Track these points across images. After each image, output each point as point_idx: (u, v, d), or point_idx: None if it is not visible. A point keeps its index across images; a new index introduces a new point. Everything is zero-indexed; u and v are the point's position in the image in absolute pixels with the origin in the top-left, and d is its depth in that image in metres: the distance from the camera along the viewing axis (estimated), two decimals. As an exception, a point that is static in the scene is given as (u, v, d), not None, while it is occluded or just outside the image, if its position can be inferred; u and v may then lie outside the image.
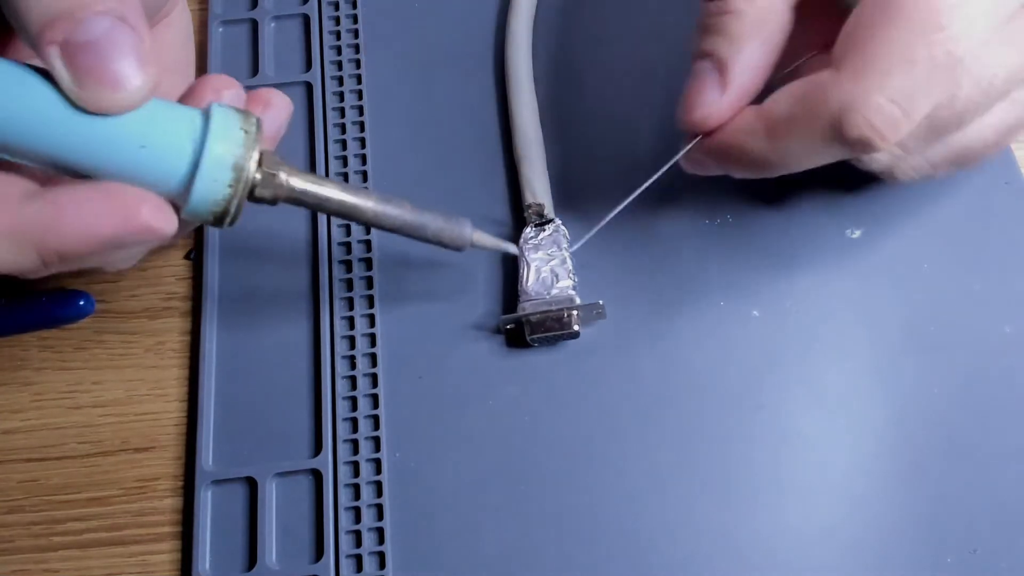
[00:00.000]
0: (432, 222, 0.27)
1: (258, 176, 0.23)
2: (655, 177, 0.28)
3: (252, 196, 0.23)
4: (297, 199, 0.24)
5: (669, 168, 0.28)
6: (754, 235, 0.33)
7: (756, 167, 0.25)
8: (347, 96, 0.35)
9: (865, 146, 0.22)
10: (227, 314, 0.32)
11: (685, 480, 0.29)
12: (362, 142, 0.35)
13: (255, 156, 0.22)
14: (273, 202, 0.24)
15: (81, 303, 0.32)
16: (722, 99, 0.25)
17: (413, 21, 0.37)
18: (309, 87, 0.36)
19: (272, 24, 0.37)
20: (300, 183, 0.24)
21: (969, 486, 0.29)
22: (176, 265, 0.33)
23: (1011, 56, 0.22)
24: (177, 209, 0.22)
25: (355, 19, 0.37)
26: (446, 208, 0.27)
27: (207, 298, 0.32)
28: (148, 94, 0.21)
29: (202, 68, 0.36)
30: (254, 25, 0.37)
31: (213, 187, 0.22)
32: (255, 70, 0.36)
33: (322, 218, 0.33)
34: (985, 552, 0.28)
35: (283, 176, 0.24)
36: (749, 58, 0.25)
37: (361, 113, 0.35)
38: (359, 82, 0.36)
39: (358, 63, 0.36)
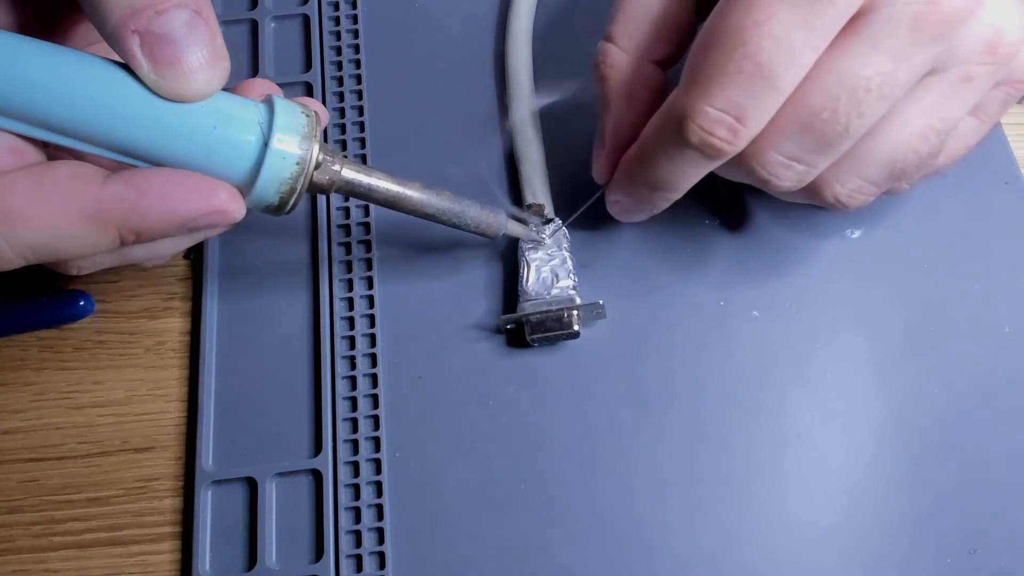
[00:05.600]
0: (470, 210, 0.28)
1: (320, 158, 0.24)
2: (580, 210, 0.31)
3: (311, 183, 0.24)
4: (349, 187, 0.26)
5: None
6: (754, 235, 0.33)
7: (648, 189, 0.27)
8: (347, 96, 0.35)
9: (711, 149, 0.24)
10: (227, 314, 0.32)
11: (685, 479, 0.29)
12: (362, 142, 0.35)
13: (318, 139, 0.24)
14: (327, 190, 0.25)
15: (81, 303, 0.32)
16: (602, 155, 0.29)
17: (413, 21, 0.37)
18: (309, 87, 0.36)
19: (272, 24, 0.37)
20: (352, 172, 0.25)
21: (969, 486, 0.29)
22: (176, 265, 0.33)
23: (879, 62, 0.23)
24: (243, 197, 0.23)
25: (355, 19, 0.37)
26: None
27: (207, 298, 0.32)
28: (220, 83, 0.22)
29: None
30: (254, 25, 0.37)
31: (283, 166, 0.23)
32: (255, 70, 0.36)
33: (322, 218, 0.33)
34: (985, 552, 0.28)
35: (339, 163, 0.25)
36: (618, 116, 0.28)
37: (361, 113, 0.35)
38: (359, 82, 0.36)
39: (358, 63, 0.36)
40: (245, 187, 0.23)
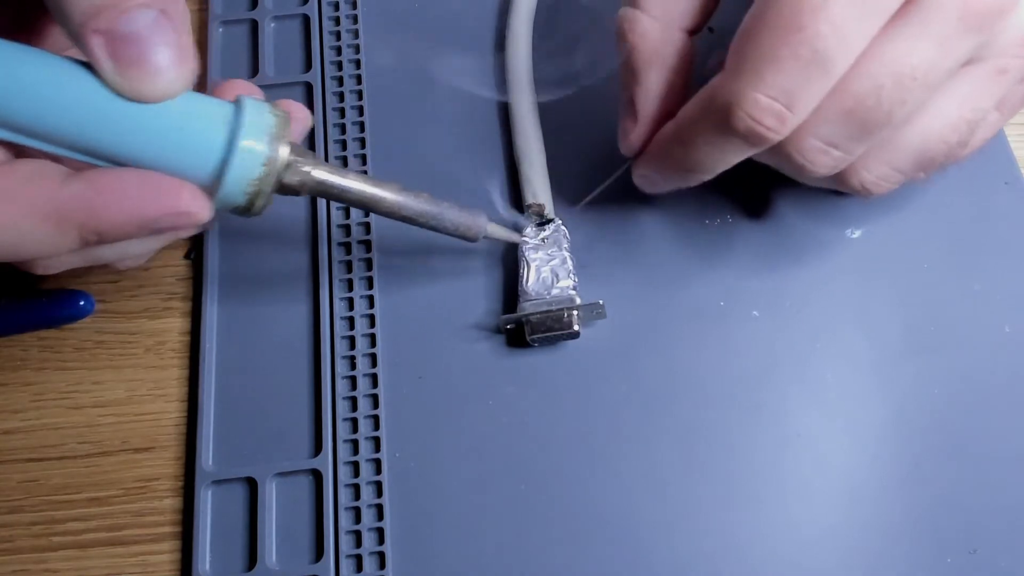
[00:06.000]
0: (449, 212, 0.28)
1: (289, 160, 0.24)
2: (602, 187, 0.31)
3: (281, 184, 0.24)
4: (322, 189, 0.25)
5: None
6: (754, 235, 0.33)
7: (683, 170, 0.27)
8: (347, 96, 0.35)
9: (757, 137, 0.24)
10: (227, 314, 0.32)
11: (685, 479, 0.29)
12: (362, 142, 0.35)
13: (287, 140, 0.23)
14: (298, 192, 0.25)
15: (81, 303, 0.32)
16: (635, 127, 0.28)
17: (413, 21, 0.37)
18: (309, 87, 0.36)
19: (272, 24, 0.37)
20: (324, 173, 0.25)
21: (969, 486, 0.29)
22: (176, 265, 0.33)
23: (926, 50, 0.23)
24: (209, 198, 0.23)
25: (355, 19, 0.37)
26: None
27: (207, 298, 0.32)
28: (186, 84, 0.22)
29: (202, 68, 0.36)
30: (254, 25, 0.37)
31: (249, 165, 0.23)
32: (255, 70, 0.36)
33: (322, 219, 0.33)
34: (985, 552, 0.28)
35: (310, 165, 0.24)
36: (649, 87, 0.27)
37: (361, 113, 0.35)
38: (359, 82, 0.36)
39: (358, 63, 0.36)
40: (211, 187, 0.23)
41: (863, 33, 0.23)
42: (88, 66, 0.21)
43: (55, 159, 0.22)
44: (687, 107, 0.26)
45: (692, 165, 0.27)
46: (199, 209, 0.22)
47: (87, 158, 0.22)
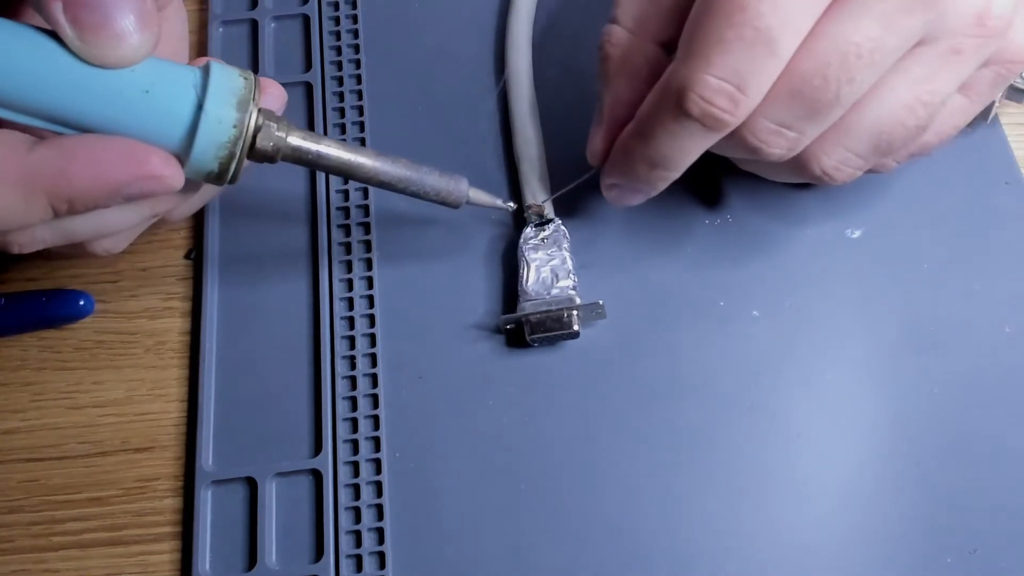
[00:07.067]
0: (429, 177, 0.27)
1: (260, 122, 0.23)
2: (570, 186, 0.31)
3: (253, 149, 0.24)
4: (297, 155, 0.25)
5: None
6: (754, 235, 0.33)
7: (646, 166, 0.27)
8: (347, 96, 0.35)
9: (711, 119, 0.24)
10: (227, 314, 0.32)
11: (685, 479, 0.29)
12: (362, 142, 0.35)
13: (256, 102, 0.23)
14: (273, 158, 0.24)
15: (81, 303, 0.32)
16: (599, 133, 0.29)
17: (413, 21, 0.37)
18: (309, 87, 0.36)
19: (272, 24, 0.37)
20: (298, 139, 0.25)
21: (969, 486, 0.29)
22: (176, 265, 0.33)
23: (870, 27, 0.23)
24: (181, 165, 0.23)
25: (355, 19, 0.37)
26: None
27: (207, 298, 0.32)
28: (149, 49, 0.22)
29: (202, 68, 0.36)
30: (254, 25, 0.37)
31: (218, 130, 0.22)
32: (255, 70, 0.36)
33: (322, 218, 0.33)
34: (985, 552, 0.28)
35: (283, 130, 0.24)
36: (618, 95, 0.28)
37: (361, 113, 0.35)
38: (359, 82, 0.36)
39: (358, 63, 0.36)
40: (183, 153, 0.23)
41: (807, 12, 0.23)
42: (52, 33, 0.21)
43: (21, 129, 0.22)
44: (646, 101, 0.26)
45: (653, 159, 0.26)
46: (170, 174, 0.22)
47: (54, 127, 0.22)
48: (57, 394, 0.31)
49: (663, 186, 0.28)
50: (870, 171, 0.28)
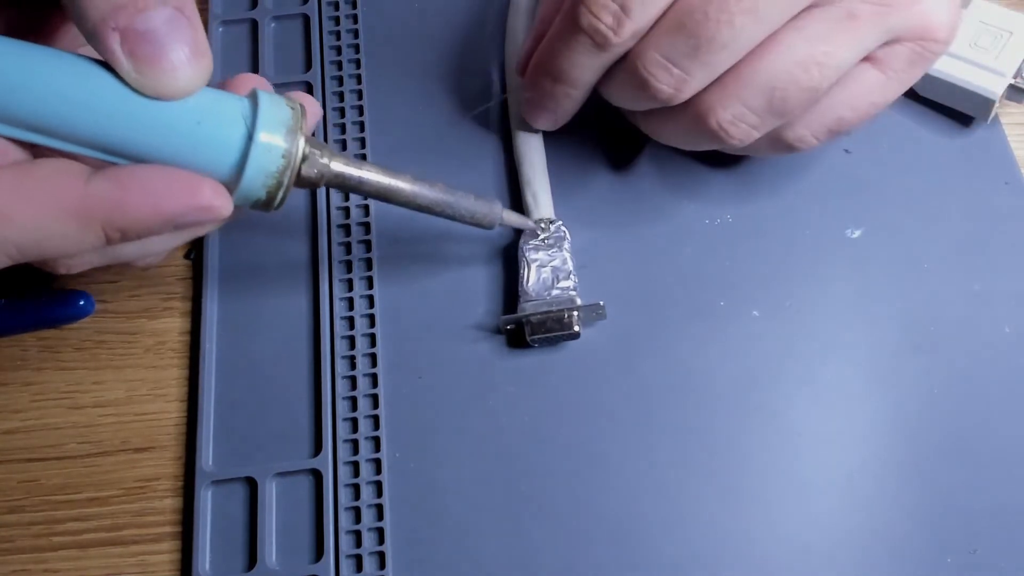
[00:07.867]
0: (464, 201, 0.28)
1: (306, 152, 0.24)
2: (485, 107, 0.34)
3: (299, 176, 0.24)
4: (339, 180, 0.25)
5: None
6: (754, 235, 0.33)
7: (550, 80, 0.29)
8: (347, 96, 0.35)
9: (597, 34, 0.26)
10: (227, 314, 0.32)
11: (685, 479, 0.29)
12: (362, 142, 0.35)
13: (303, 131, 0.24)
14: (316, 184, 0.25)
15: (81, 303, 0.32)
16: (525, 45, 0.31)
17: (413, 21, 0.37)
18: (309, 87, 0.36)
19: (272, 24, 0.37)
20: (341, 165, 0.25)
21: (969, 486, 0.29)
22: (176, 265, 0.33)
23: None
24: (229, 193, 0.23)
25: (355, 19, 0.37)
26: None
27: (207, 298, 0.32)
28: (203, 81, 0.22)
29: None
30: (254, 25, 0.37)
31: (268, 159, 0.23)
32: (255, 70, 0.36)
33: (322, 219, 0.33)
34: (985, 552, 0.28)
35: (327, 157, 0.25)
36: (545, 10, 0.30)
37: (361, 113, 0.35)
38: (359, 82, 0.36)
39: (358, 63, 0.36)
40: (231, 182, 0.23)
41: None
42: (105, 64, 0.21)
43: (74, 158, 0.22)
44: (556, 19, 0.28)
45: (555, 73, 0.29)
46: (221, 204, 0.22)
47: (106, 156, 0.22)
48: (57, 394, 0.31)
49: (569, 106, 0.30)
50: (789, 148, 0.28)
